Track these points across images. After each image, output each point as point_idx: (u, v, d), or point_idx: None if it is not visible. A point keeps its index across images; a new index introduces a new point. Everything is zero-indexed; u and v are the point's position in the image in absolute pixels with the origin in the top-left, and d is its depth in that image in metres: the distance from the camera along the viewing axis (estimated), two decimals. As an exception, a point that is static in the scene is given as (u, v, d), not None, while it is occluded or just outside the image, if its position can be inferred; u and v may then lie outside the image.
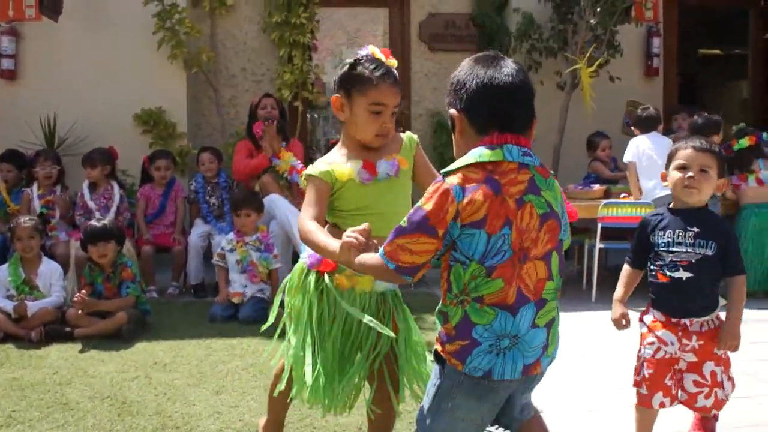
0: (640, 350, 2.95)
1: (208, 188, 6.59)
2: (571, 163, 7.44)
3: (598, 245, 5.98)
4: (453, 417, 2.00)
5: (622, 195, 6.23)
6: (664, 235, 2.86)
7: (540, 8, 7.65)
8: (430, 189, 1.91)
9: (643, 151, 6.05)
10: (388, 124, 2.48)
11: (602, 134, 7.22)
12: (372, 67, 2.44)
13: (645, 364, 2.89)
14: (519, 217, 1.91)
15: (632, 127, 6.24)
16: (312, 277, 2.58)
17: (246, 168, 6.31)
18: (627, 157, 6.20)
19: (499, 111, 1.97)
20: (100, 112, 7.27)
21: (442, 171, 1.94)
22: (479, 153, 1.93)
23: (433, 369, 2.07)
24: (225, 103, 7.92)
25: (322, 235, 2.24)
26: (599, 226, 5.92)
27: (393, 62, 2.48)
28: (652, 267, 2.94)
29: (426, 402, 2.07)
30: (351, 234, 1.97)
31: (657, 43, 8.22)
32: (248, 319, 5.17)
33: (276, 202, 6.04)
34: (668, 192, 5.47)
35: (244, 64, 7.99)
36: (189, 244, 6.29)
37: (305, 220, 2.36)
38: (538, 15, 7.70)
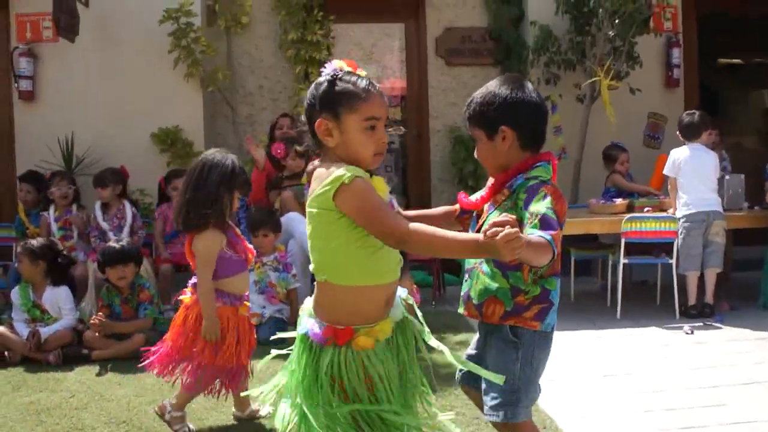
0: None
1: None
2: (592, 176, 7.33)
3: (622, 260, 5.87)
4: (536, 376, 2.40)
5: (646, 209, 6.12)
6: None
7: (557, 21, 7.57)
8: (549, 192, 2.24)
9: (680, 165, 5.93)
10: (384, 138, 2.19)
11: (620, 147, 7.09)
12: (353, 79, 2.14)
13: None
14: None
15: (677, 132, 6.10)
16: (328, 352, 2.15)
17: (254, 194, 6.39)
18: (665, 171, 6.08)
19: (540, 131, 2.42)
20: (118, 132, 7.28)
21: (540, 178, 2.31)
22: (546, 168, 2.36)
23: (499, 350, 2.37)
24: (242, 121, 7.91)
25: (442, 231, 2.01)
26: (623, 241, 5.81)
27: (364, 74, 2.21)
28: None
29: (509, 381, 2.31)
30: (499, 226, 1.86)
31: (677, 53, 8.11)
32: (267, 340, 5.09)
33: (294, 220, 5.99)
34: (700, 209, 5.36)
35: (260, 82, 7.98)
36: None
37: (403, 224, 2.02)
38: (556, 27, 7.62)
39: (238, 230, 3.77)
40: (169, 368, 3.54)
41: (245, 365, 3.55)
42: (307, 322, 2.22)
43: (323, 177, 2.08)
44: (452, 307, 6.17)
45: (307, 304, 2.26)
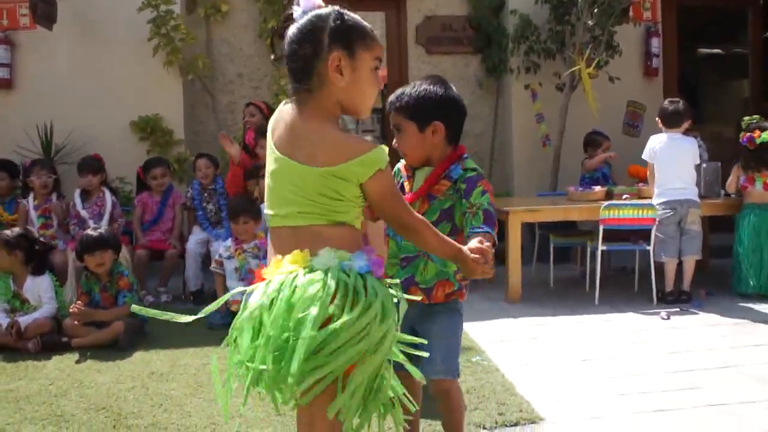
0: None
1: (205, 195, 6.55)
2: (571, 164, 7.39)
3: (600, 247, 5.92)
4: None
5: (624, 196, 6.17)
6: None
7: (537, 10, 7.60)
8: (486, 188, 2.54)
9: (657, 150, 5.96)
10: (381, 84, 2.11)
11: (603, 134, 7.14)
12: (355, 16, 2.01)
13: None
14: None
15: (657, 118, 6.13)
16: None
17: (234, 187, 6.36)
18: (643, 155, 6.12)
19: (461, 128, 2.66)
20: (97, 120, 7.24)
21: (477, 171, 2.58)
22: (472, 160, 2.67)
23: (449, 320, 2.65)
24: (222, 110, 7.88)
25: (439, 232, 2.14)
26: (601, 228, 5.86)
27: None
28: None
29: (455, 344, 2.67)
30: (481, 254, 2.14)
31: (656, 43, 8.18)
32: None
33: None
34: (674, 197, 5.41)
35: (240, 70, 7.95)
36: (187, 251, 6.26)
37: (418, 216, 2.08)
38: (536, 17, 7.65)
39: None
40: None
41: None
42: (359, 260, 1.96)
43: (340, 144, 1.93)
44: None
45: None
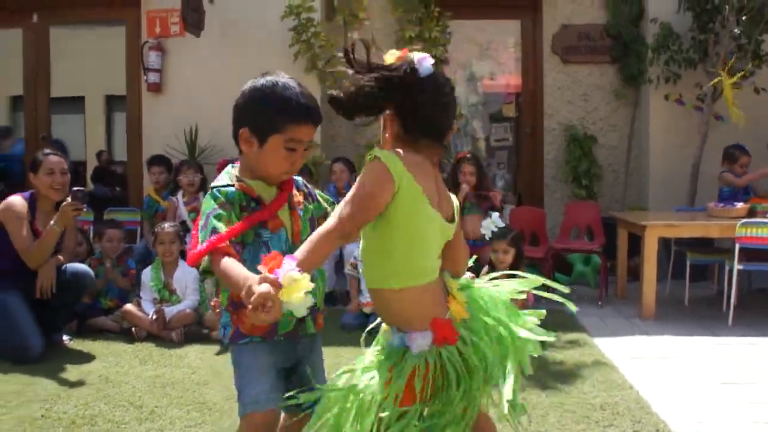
0: None
1: (339, 199, 6.69)
2: (713, 178, 7.10)
3: (736, 267, 5.67)
4: None
5: (769, 214, 5.88)
6: None
7: (679, 18, 7.36)
8: None
9: None
10: None
11: (742, 148, 6.82)
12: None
13: None
14: None
15: None
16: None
17: None
18: None
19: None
20: (239, 124, 7.52)
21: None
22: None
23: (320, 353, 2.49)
24: (356, 115, 8.04)
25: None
26: (737, 246, 5.62)
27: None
28: None
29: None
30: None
31: (809, 52, 7.75)
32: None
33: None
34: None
35: (376, 77, 8.07)
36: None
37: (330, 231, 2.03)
38: (677, 25, 7.41)
39: None
40: None
41: None
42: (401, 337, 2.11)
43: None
44: (560, 307, 6.13)
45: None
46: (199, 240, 2.12)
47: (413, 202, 2.01)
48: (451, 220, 2.16)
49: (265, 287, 1.79)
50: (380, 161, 2.00)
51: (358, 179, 2.06)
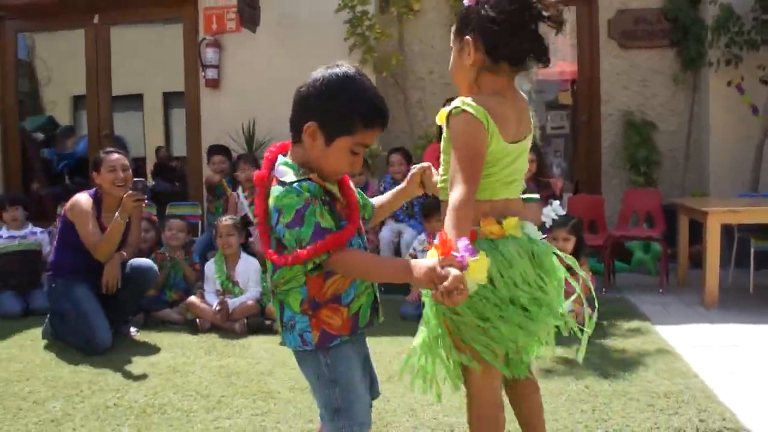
0: None
1: (395, 189, 6.74)
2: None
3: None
4: None
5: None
6: None
7: (740, -1, 7.20)
8: None
9: None
10: None
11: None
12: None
13: None
14: None
15: None
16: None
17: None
18: None
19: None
20: (296, 117, 7.61)
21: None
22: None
23: None
24: (413, 106, 8.08)
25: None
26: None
27: None
28: None
29: None
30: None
31: None
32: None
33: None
34: None
35: (431, 67, 8.10)
36: (381, 240, 6.50)
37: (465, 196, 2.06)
38: (738, 5, 7.24)
39: None
40: None
41: None
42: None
43: None
44: (622, 295, 6.09)
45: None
46: (300, 237, 1.98)
47: (497, 151, 2.10)
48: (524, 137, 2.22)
49: (455, 270, 1.77)
50: (473, 116, 2.04)
51: (452, 138, 2.10)
